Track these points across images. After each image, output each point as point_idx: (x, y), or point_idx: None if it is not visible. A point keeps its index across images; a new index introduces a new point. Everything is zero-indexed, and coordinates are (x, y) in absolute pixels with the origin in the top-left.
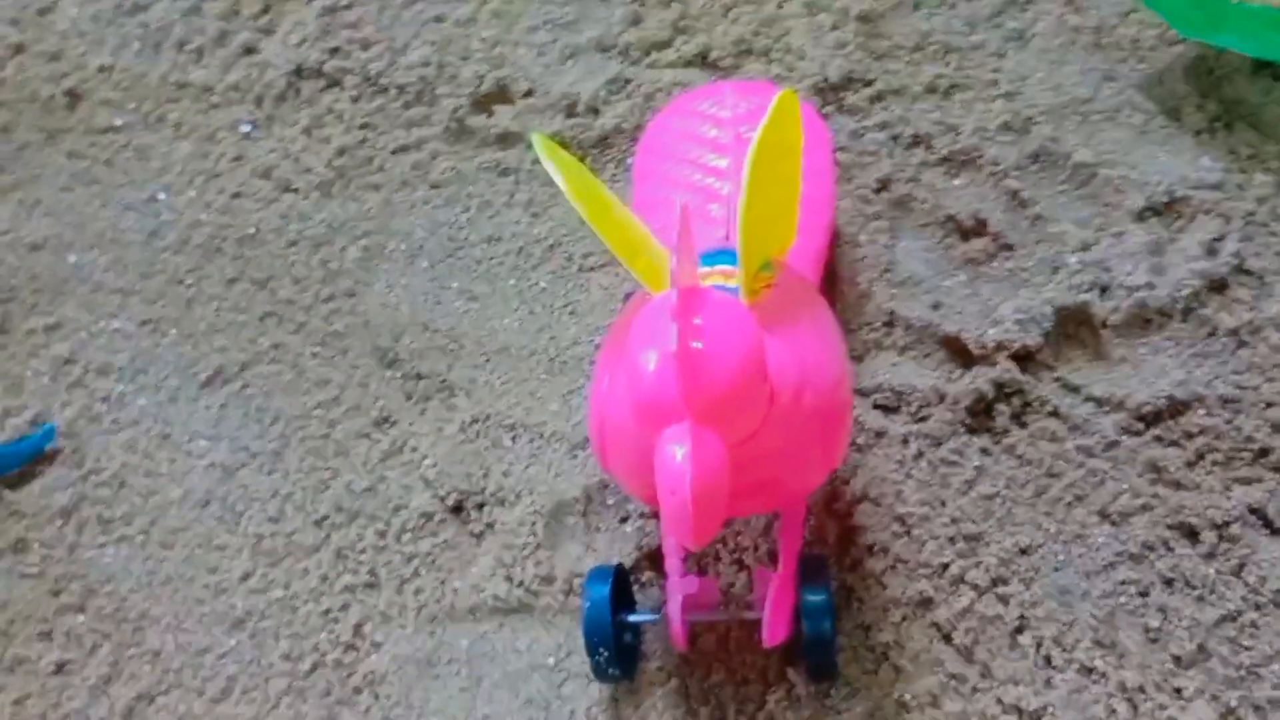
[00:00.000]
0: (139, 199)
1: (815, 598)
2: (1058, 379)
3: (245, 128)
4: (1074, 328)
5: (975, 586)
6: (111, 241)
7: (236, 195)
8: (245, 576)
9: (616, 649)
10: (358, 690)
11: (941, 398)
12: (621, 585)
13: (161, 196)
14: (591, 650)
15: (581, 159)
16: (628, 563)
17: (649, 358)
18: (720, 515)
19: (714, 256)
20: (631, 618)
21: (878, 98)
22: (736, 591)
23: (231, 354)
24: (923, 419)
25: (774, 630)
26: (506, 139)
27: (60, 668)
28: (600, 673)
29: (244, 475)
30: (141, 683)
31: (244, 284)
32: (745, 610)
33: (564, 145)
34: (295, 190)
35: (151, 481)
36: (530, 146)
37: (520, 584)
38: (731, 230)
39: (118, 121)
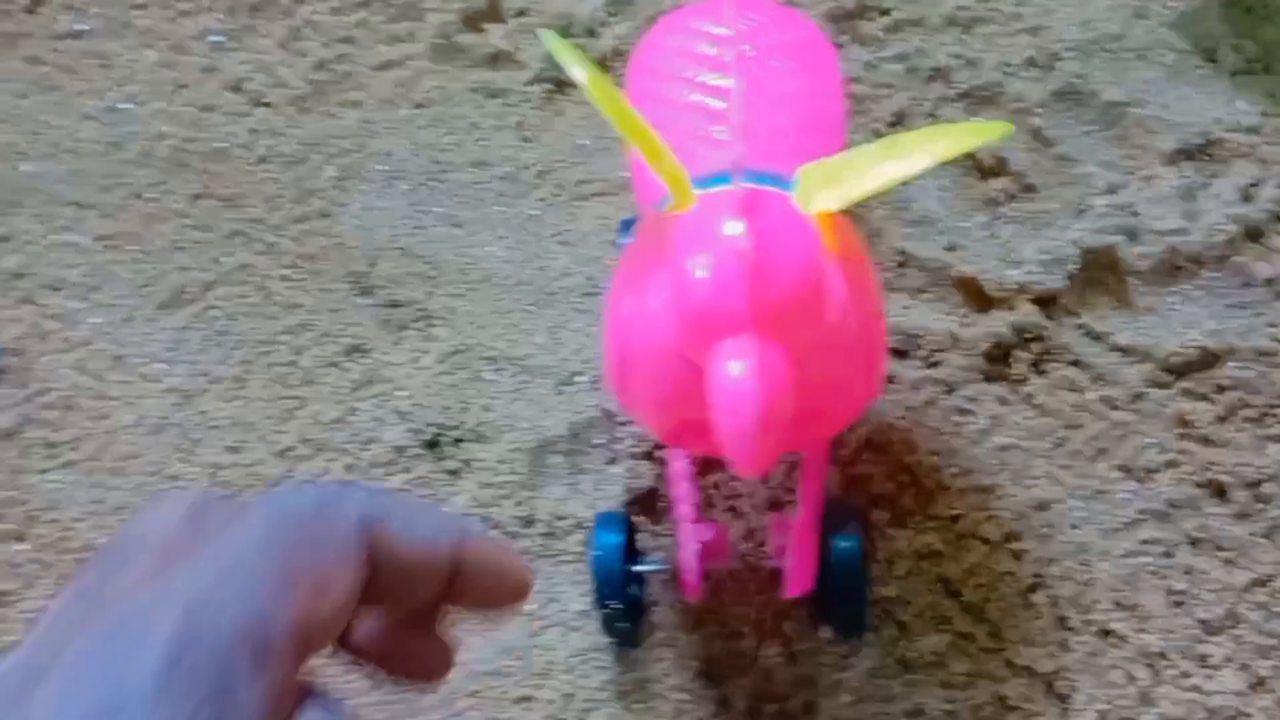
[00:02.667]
0: (100, 108)
1: (845, 544)
2: (1080, 326)
3: (216, 37)
4: (1099, 272)
5: (987, 541)
6: (69, 152)
7: (206, 108)
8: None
9: (627, 601)
10: None
11: (956, 342)
12: (629, 534)
13: (124, 106)
14: (602, 603)
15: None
16: (614, 507)
17: (703, 263)
18: (783, 437)
19: (726, 177)
20: (640, 568)
21: (895, 28)
22: (732, 540)
23: (193, 274)
24: (935, 364)
25: (797, 579)
26: (497, 59)
27: None
28: (609, 627)
29: (203, 401)
30: None
31: (210, 200)
32: (764, 559)
33: (557, 67)
34: (268, 104)
35: (102, 405)
36: (523, 67)
37: (498, 526)
38: (740, 154)
39: (81, 27)
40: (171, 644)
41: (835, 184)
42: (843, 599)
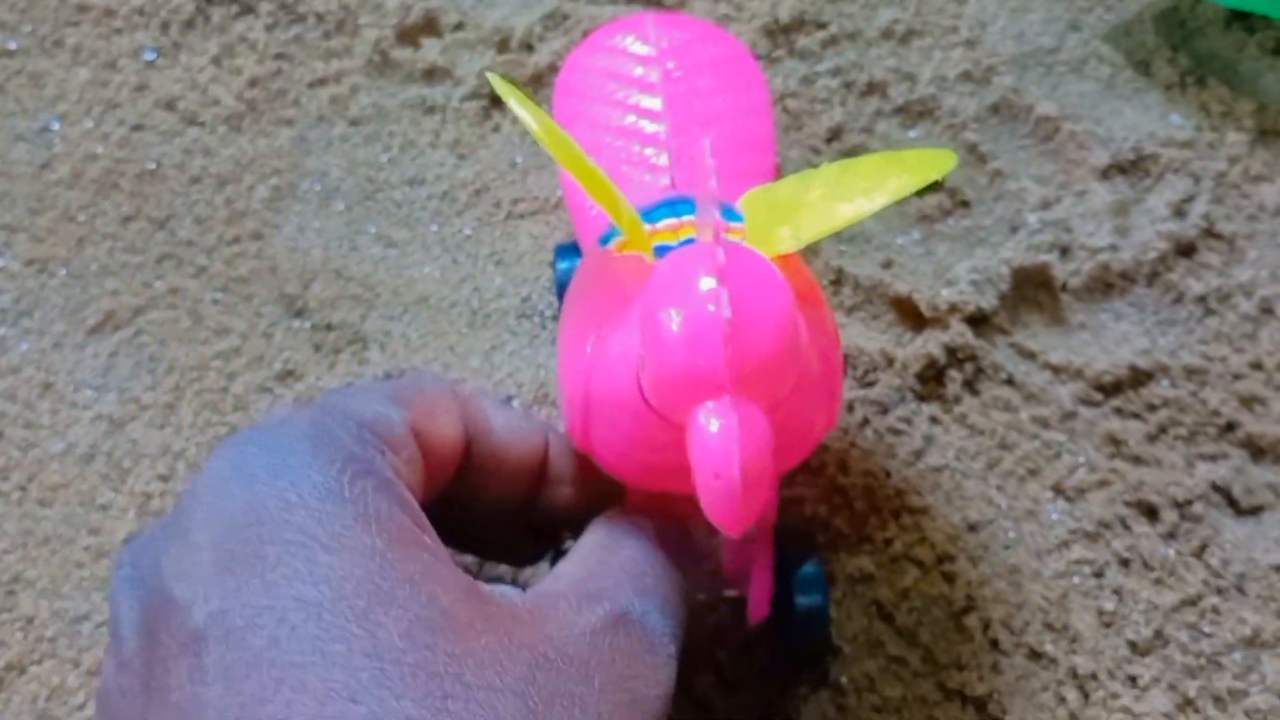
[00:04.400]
0: (30, 128)
1: (808, 569)
2: (1013, 344)
3: (149, 55)
4: (1032, 290)
5: (920, 564)
6: None
7: (137, 127)
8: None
9: None
10: None
11: (890, 362)
12: None
13: (55, 126)
14: None
15: None
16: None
17: (679, 322)
18: (765, 495)
19: (668, 207)
20: None
21: (831, 41)
22: None
23: (124, 298)
24: (870, 384)
25: (759, 606)
26: (433, 74)
27: None
28: None
29: (133, 429)
30: (12, 651)
31: (141, 223)
32: (723, 589)
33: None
34: (201, 124)
35: (31, 433)
36: (458, 83)
37: None
38: (678, 176)
39: (11, 45)
40: (313, 425)
41: (787, 222)
42: (808, 621)
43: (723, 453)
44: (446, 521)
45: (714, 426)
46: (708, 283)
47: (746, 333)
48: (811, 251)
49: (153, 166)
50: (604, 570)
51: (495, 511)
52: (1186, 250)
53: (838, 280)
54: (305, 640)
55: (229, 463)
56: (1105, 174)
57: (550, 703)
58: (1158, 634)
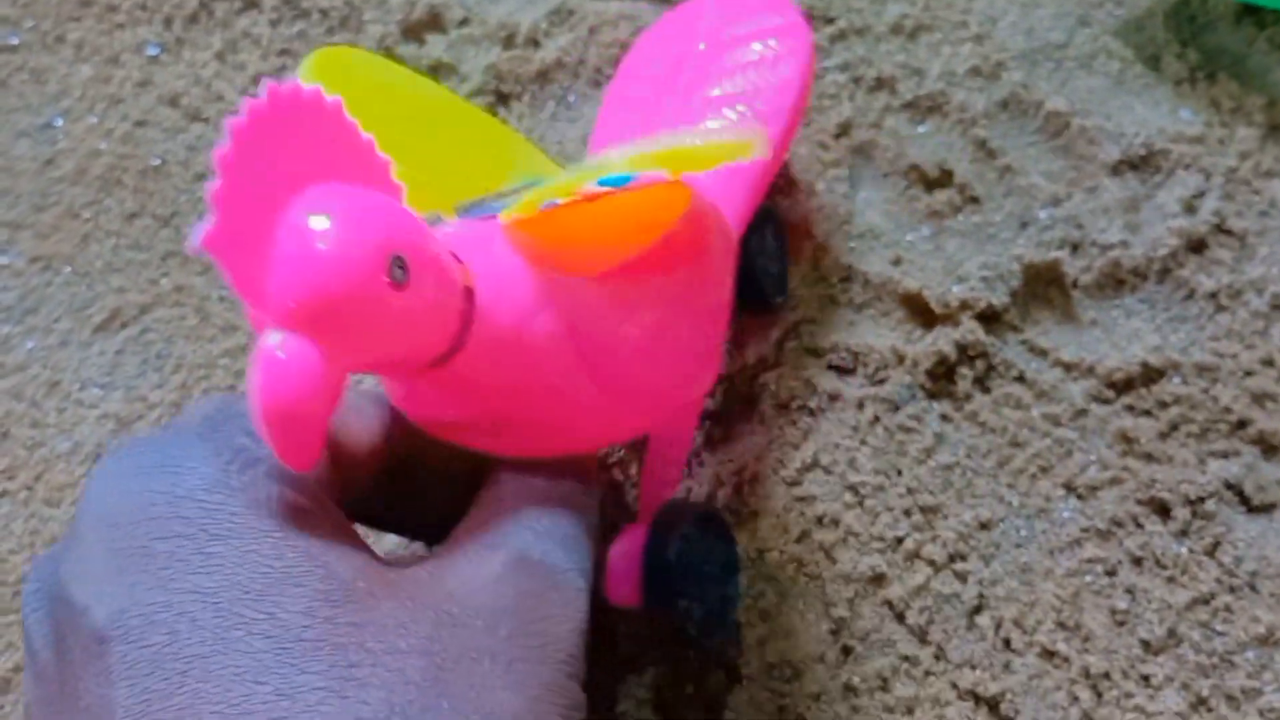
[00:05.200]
0: (34, 124)
1: (676, 553)
2: (1024, 341)
3: (152, 50)
4: (1043, 287)
5: (931, 562)
6: (1, 170)
7: (140, 123)
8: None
9: None
10: None
11: (900, 359)
12: None
13: (58, 122)
14: None
15: (519, 94)
16: None
17: (276, 253)
18: (315, 437)
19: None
20: None
21: (839, 36)
22: None
23: (130, 295)
24: (880, 381)
25: (615, 584)
26: (438, 70)
27: None
28: None
29: (140, 428)
30: (20, 653)
31: (145, 220)
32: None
33: (499, 78)
34: (205, 120)
35: (38, 432)
36: (464, 79)
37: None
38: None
39: (13, 40)
40: (203, 424)
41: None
42: (679, 597)
43: (256, 380)
44: (409, 521)
45: (258, 354)
46: (299, 217)
47: (310, 268)
48: (821, 249)
49: (156, 163)
50: (499, 519)
51: (449, 503)
52: (1197, 246)
53: (847, 277)
54: (204, 630)
55: (117, 464)
56: (1116, 170)
57: (459, 657)
58: (1170, 633)
